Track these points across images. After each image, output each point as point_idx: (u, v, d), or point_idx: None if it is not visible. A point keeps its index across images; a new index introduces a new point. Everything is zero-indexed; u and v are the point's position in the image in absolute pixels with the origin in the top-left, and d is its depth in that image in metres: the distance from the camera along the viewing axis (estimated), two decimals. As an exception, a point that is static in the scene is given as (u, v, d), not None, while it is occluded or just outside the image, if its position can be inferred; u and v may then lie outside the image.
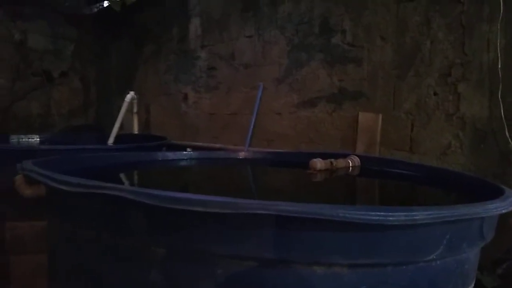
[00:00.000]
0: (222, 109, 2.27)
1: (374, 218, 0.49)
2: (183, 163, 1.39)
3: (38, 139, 2.25)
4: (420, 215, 0.50)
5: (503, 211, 0.60)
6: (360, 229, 0.51)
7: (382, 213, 0.49)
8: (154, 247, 0.58)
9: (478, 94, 1.31)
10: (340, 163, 1.25)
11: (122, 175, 1.14)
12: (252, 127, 2.03)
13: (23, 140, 2.22)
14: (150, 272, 0.58)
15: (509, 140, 1.22)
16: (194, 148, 2.07)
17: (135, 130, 2.41)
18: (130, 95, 2.23)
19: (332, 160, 1.24)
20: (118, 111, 2.10)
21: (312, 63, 1.80)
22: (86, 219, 0.63)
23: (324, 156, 1.24)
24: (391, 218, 0.49)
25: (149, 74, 2.83)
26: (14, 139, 2.20)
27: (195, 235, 0.54)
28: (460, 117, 1.35)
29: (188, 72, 2.48)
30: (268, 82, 2.00)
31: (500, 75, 1.24)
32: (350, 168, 1.26)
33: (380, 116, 1.53)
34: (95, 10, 3.57)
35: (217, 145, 2.21)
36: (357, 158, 1.30)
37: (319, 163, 1.20)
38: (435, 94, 1.41)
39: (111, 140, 2.05)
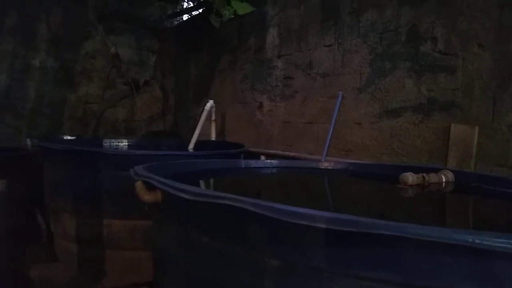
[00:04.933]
0: (297, 117, 2.27)
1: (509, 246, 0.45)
2: (265, 171, 1.41)
3: (126, 143, 2.45)
4: None
5: None
6: (487, 256, 0.47)
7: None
8: (268, 258, 0.59)
9: None
10: (432, 178, 1.18)
11: (213, 181, 1.19)
12: (330, 136, 2.00)
13: (114, 143, 2.43)
14: (263, 282, 0.60)
15: None
16: (269, 156, 2.10)
17: (213, 137, 2.51)
18: (210, 103, 2.33)
19: (424, 174, 1.17)
20: (194, 119, 2.22)
21: (397, 72, 1.72)
22: (202, 226, 0.67)
23: (412, 169, 1.18)
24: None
25: (225, 84, 2.94)
26: (106, 142, 2.42)
27: (309, 250, 0.54)
28: None
29: (263, 81, 2.53)
30: (347, 91, 1.96)
31: None
32: (444, 184, 1.19)
33: (477, 128, 1.42)
34: (176, 23, 3.82)
35: (292, 154, 2.21)
36: (451, 173, 1.22)
37: (410, 177, 1.14)
38: (544, 105, 1.27)
39: (191, 146, 2.16)
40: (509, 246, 0.45)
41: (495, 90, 1.38)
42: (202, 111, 2.28)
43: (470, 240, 0.45)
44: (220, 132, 2.92)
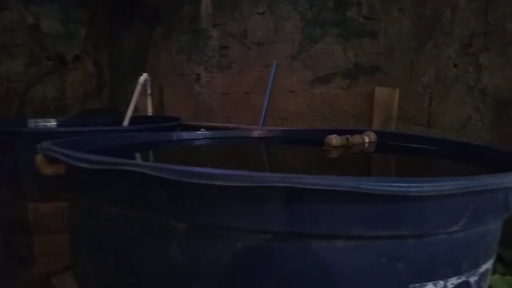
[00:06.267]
0: (235, 88, 2.25)
1: (397, 189, 0.48)
2: (198, 142, 1.39)
3: (55, 123, 2.28)
4: (445, 185, 0.49)
5: (530, 181, 0.58)
6: (382, 201, 0.50)
7: (405, 184, 0.48)
8: (174, 222, 0.58)
9: (500, 65, 1.26)
10: (356, 139, 1.24)
11: (138, 154, 1.15)
12: (265, 106, 2.01)
13: (40, 124, 2.26)
14: (170, 247, 0.59)
15: (533, 111, 1.18)
16: (208, 129, 2.07)
17: (149, 112, 2.42)
18: (144, 76, 2.22)
19: (348, 136, 1.23)
20: (132, 94, 2.11)
21: (326, 39, 1.75)
22: (106, 196, 0.64)
23: (339, 132, 1.23)
24: (414, 189, 0.48)
25: (162, 55, 2.82)
26: (31, 123, 2.24)
27: (214, 210, 0.54)
28: (481, 89, 1.30)
29: (200, 52, 2.46)
30: (281, 59, 1.97)
31: (524, 44, 1.19)
32: (367, 144, 1.25)
33: (397, 90, 1.50)
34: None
35: (231, 125, 2.20)
36: (373, 133, 1.28)
37: (334, 139, 1.19)
38: (455, 65, 1.36)
39: (126, 122, 2.07)
40: (388, 188, 0.48)
41: (413, 53, 1.46)
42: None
43: (355, 185, 0.48)
44: (159, 106, 2.83)
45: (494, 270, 1.09)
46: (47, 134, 1.53)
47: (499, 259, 1.13)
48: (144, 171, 0.54)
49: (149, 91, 2.38)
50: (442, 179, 0.49)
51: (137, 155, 1.11)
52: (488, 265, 0.68)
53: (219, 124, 2.27)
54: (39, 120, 2.27)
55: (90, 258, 0.75)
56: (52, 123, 2.28)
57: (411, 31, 1.46)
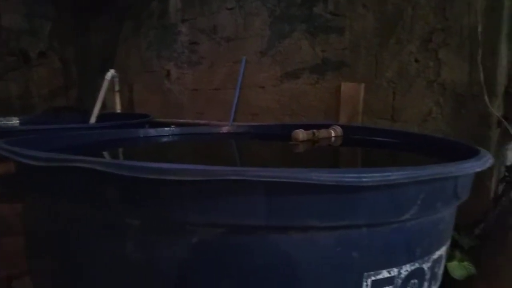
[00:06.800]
0: (205, 84, 2.23)
1: (347, 180, 0.49)
2: (165, 139, 1.37)
3: (18, 121, 2.19)
4: (394, 175, 0.51)
5: (477, 169, 0.61)
6: (334, 192, 0.51)
7: (355, 175, 0.49)
8: (128, 219, 0.57)
9: (458, 59, 1.30)
10: (322, 133, 1.26)
11: (101, 152, 1.12)
12: (236, 101, 2.01)
13: (2, 122, 2.16)
14: (125, 244, 0.58)
15: (488, 104, 1.23)
16: (179, 125, 2.05)
17: (118, 109, 2.36)
18: (110, 73, 2.17)
19: (315, 130, 1.24)
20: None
21: (295, 34, 1.76)
22: (58, 194, 0.62)
23: (307, 127, 1.24)
24: (364, 179, 0.49)
25: (131, 52, 2.76)
26: (-9, 121, 2.14)
27: (168, 205, 0.53)
28: (441, 83, 1.35)
29: (169, 48, 2.42)
30: (250, 55, 1.96)
31: (480, 40, 1.24)
32: (333, 138, 1.27)
33: (363, 85, 1.53)
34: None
35: (202, 122, 2.19)
36: (339, 128, 1.31)
37: (301, 134, 1.21)
38: (416, 61, 1.40)
39: (93, 120, 2.02)
40: (338, 179, 0.49)
41: (377, 49, 1.49)
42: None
43: (306, 177, 0.48)
44: (129, 104, 2.76)
45: (453, 257, 1.13)
46: (6, 132, 1.46)
47: (457, 246, 1.17)
48: (94, 167, 0.53)
49: (117, 88, 2.33)
50: (391, 169, 0.51)
51: (99, 152, 1.08)
52: (441, 251, 0.70)
53: (189, 121, 2.25)
54: (1, 118, 2.17)
55: (45, 260, 0.73)
56: (15, 121, 2.19)
57: (375, 27, 1.49)
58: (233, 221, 0.53)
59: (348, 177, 0.49)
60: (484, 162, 0.64)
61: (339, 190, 0.51)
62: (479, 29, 1.23)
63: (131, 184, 0.54)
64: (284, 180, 0.48)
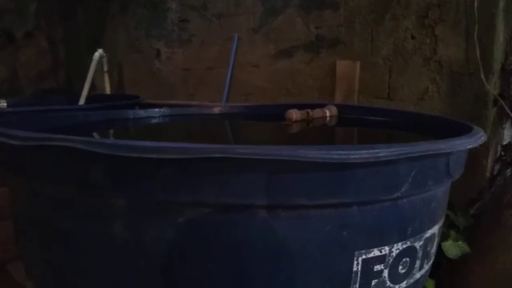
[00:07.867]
0: (197, 64, 2.18)
1: (335, 156, 0.47)
2: (156, 120, 1.34)
3: (5, 104, 2.15)
4: (383, 152, 0.49)
5: (468, 146, 0.59)
6: (323, 169, 0.49)
7: (343, 152, 0.47)
8: (114, 199, 0.55)
9: (454, 36, 1.27)
10: (316, 113, 1.23)
11: (89, 133, 1.09)
12: (228, 81, 1.97)
13: (-12, 105, 2.11)
14: (112, 225, 0.56)
15: (484, 81, 1.21)
16: (170, 107, 2.01)
17: (107, 90, 2.32)
18: (98, 53, 2.12)
19: (309, 110, 1.22)
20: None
21: (288, 10, 1.71)
22: (42, 176, 0.60)
23: (301, 107, 1.22)
24: (352, 156, 0.48)
25: (119, 31, 2.68)
26: (-22, 105, 2.09)
27: (153, 185, 0.51)
28: (437, 60, 1.32)
29: (159, 26, 2.35)
30: (243, 32, 1.91)
31: (476, 15, 1.21)
32: (327, 118, 1.25)
33: (358, 63, 1.50)
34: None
35: (194, 103, 2.15)
36: (334, 107, 1.29)
37: (294, 113, 1.18)
38: (412, 37, 1.37)
39: (82, 101, 1.98)
40: (326, 156, 0.47)
41: (372, 25, 1.45)
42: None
43: (293, 154, 0.46)
44: (119, 85, 2.71)
45: (447, 236, 1.14)
46: (-9, 115, 1.42)
47: (452, 226, 1.17)
48: (76, 145, 0.51)
49: (105, 68, 2.28)
50: (380, 146, 0.49)
51: (87, 134, 1.06)
52: (434, 230, 0.70)
53: (181, 102, 2.21)
54: (-13, 101, 2.12)
55: (33, 244, 0.71)
56: (2, 104, 2.14)
57: (370, 2, 1.45)
58: (220, 200, 0.51)
59: (336, 154, 0.47)
60: (476, 139, 0.63)
61: (328, 168, 0.49)
62: (476, 4, 1.20)
63: (114, 163, 0.52)
64: (271, 157, 0.46)
